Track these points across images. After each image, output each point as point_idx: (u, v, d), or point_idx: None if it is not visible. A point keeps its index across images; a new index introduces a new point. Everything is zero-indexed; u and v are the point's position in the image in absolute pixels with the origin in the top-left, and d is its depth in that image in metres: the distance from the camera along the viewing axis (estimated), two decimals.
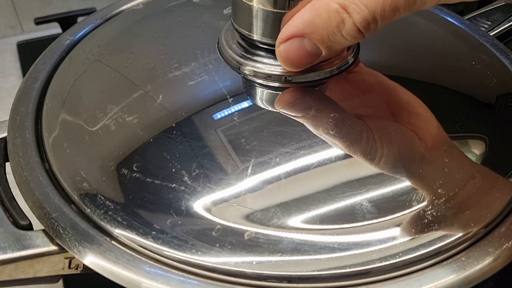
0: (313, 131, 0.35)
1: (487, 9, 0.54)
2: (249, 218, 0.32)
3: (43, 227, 0.36)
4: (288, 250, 0.31)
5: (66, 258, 0.36)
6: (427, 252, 0.32)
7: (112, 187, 0.34)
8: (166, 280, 0.32)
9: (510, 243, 0.35)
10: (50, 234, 0.35)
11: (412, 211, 0.32)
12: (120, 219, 0.33)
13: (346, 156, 0.34)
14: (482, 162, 0.36)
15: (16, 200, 0.38)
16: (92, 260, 0.33)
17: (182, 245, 0.31)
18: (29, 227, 0.37)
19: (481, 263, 0.34)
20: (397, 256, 0.31)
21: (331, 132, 0.34)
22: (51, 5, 0.83)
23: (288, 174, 0.33)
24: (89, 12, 0.71)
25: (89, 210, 0.34)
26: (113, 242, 0.33)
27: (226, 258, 0.31)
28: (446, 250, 0.32)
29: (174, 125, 0.36)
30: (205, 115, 0.37)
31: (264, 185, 0.33)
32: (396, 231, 0.32)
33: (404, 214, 0.32)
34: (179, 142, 0.35)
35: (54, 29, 0.76)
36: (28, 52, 0.78)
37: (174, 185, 0.33)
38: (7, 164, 0.40)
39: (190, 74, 0.39)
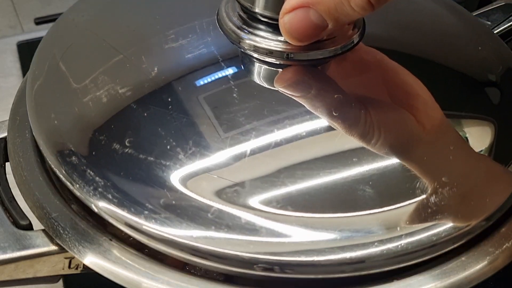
0: (312, 112, 0.34)
1: (487, 9, 0.54)
2: (246, 200, 0.30)
3: (43, 227, 0.36)
4: (286, 235, 0.29)
5: (66, 258, 0.36)
6: (423, 243, 0.31)
7: (103, 163, 0.32)
8: (166, 280, 0.33)
9: (510, 243, 0.35)
10: (50, 234, 0.35)
11: (409, 198, 0.31)
12: (110, 197, 0.31)
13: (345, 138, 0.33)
14: (483, 148, 0.35)
15: (16, 200, 0.38)
16: (92, 260, 0.33)
17: (175, 225, 0.30)
18: (29, 227, 0.37)
19: (481, 263, 0.34)
20: (392, 246, 0.30)
21: (330, 114, 0.33)
22: (51, 5, 0.83)
23: (289, 156, 0.32)
24: None
25: (77, 185, 0.32)
26: (105, 238, 0.32)
27: (222, 241, 0.29)
28: (443, 243, 0.31)
29: (169, 99, 0.35)
30: (202, 91, 0.35)
31: (262, 165, 0.32)
32: (392, 219, 0.31)
33: (400, 201, 0.31)
34: (174, 118, 0.33)
35: None
36: (28, 52, 0.78)
37: (168, 162, 0.31)
38: (7, 164, 0.40)
39: (187, 47, 0.37)
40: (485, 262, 0.34)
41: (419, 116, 0.34)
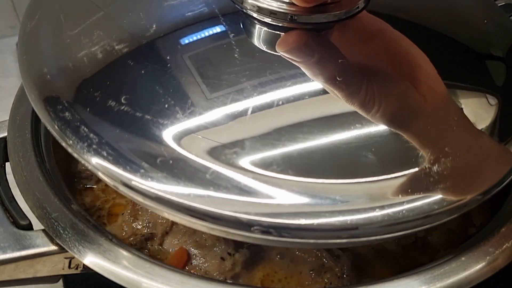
0: (313, 78, 0.33)
1: None
2: (245, 162, 0.29)
3: (43, 227, 0.36)
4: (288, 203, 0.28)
5: (66, 258, 0.36)
6: (419, 212, 0.29)
7: (97, 120, 0.31)
8: (166, 280, 0.33)
9: (510, 243, 0.35)
10: (50, 234, 0.35)
11: (407, 167, 0.30)
12: (105, 154, 0.29)
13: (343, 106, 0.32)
14: (483, 123, 0.34)
15: (16, 200, 0.38)
16: (92, 260, 0.33)
17: (173, 185, 0.28)
18: (29, 227, 0.37)
19: (481, 263, 0.34)
20: (392, 212, 0.29)
21: (331, 81, 0.32)
22: None
23: (290, 118, 0.31)
24: None
25: (70, 141, 0.30)
26: (105, 238, 0.32)
27: (220, 202, 0.28)
28: (439, 214, 0.30)
29: (168, 57, 0.33)
30: (202, 50, 0.34)
31: (262, 126, 0.30)
32: (391, 187, 0.30)
33: (399, 170, 0.30)
34: (173, 76, 0.32)
35: None
36: None
37: (166, 121, 0.30)
38: (7, 164, 0.40)
39: (187, 4, 0.35)
40: (485, 262, 0.34)
41: (420, 88, 0.34)
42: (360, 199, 0.29)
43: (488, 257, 0.34)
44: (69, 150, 0.30)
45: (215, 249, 0.39)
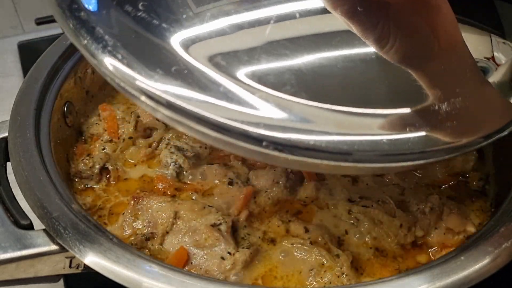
0: (330, 9, 0.32)
1: None
2: (258, 79, 0.29)
3: (43, 227, 0.36)
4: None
5: (67, 257, 0.36)
6: (422, 146, 0.30)
7: (114, 22, 0.30)
8: (167, 280, 0.33)
9: (509, 242, 0.35)
10: (51, 233, 0.35)
11: (414, 103, 0.31)
12: (120, 57, 0.28)
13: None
14: (491, 72, 0.34)
15: (17, 199, 0.39)
16: (93, 259, 0.33)
17: (187, 94, 0.28)
18: (30, 226, 0.37)
19: (481, 263, 0.34)
20: (395, 138, 0.29)
21: (351, 9, 0.32)
22: None
23: (310, 44, 0.31)
24: None
25: (85, 41, 0.29)
26: (106, 238, 0.32)
27: (232, 114, 0.27)
28: (438, 151, 0.30)
29: None
30: None
31: (280, 47, 0.30)
32: (395, 119, 0.30)
33: (406, 105, 0.30)
34: None
35: (54, 29, 0.76)
36: (29, 52, 0.78)
37: (183, 30, 0.29)
38: (8, 164, 0.41)
39: None
40: (485, 262, 0.34)
41: (436, 31, 0.34)
42: (363, 128, 0.29)
43: (487, 257, 0.34)
44: (82, 50, 0.30)
45: (215, 248, 0.39)
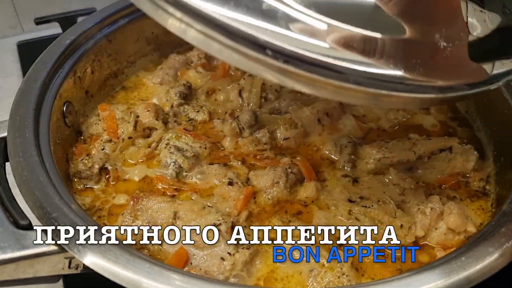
0: None
1: None
2: None
3: (43, 227, 0.36)
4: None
5: (66, 258, 0.36)
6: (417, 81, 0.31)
7: None
8: (166, 280, 0.33)
9: (510, 243, 0.35)
10: (50, 234, 0.35)
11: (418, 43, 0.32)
12: None
13: None
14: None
15: (16, 200, 0.38)
16: (92, 260, 0.33)
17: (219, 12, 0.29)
18: (29, 227, 0.37)
19: (481, 263, 0.34)
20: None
21: None
22: (51, 5, 0.82)
23: None
24: (89, 12, 0.71)
25: None
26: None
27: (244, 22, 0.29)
28: (424, 88, 0.32)
29: None
30: None
31: None
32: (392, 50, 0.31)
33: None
34: None
35: (54, 29, 0.76)
36: (28, 52, 0.78)
37: None
38: (7, 164, 0.40)
39: None
40: (486, 262, 0.34)
41: None
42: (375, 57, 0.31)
43: (488, 257, 0.34)
44: None
45: (215, 249, 0.39)
